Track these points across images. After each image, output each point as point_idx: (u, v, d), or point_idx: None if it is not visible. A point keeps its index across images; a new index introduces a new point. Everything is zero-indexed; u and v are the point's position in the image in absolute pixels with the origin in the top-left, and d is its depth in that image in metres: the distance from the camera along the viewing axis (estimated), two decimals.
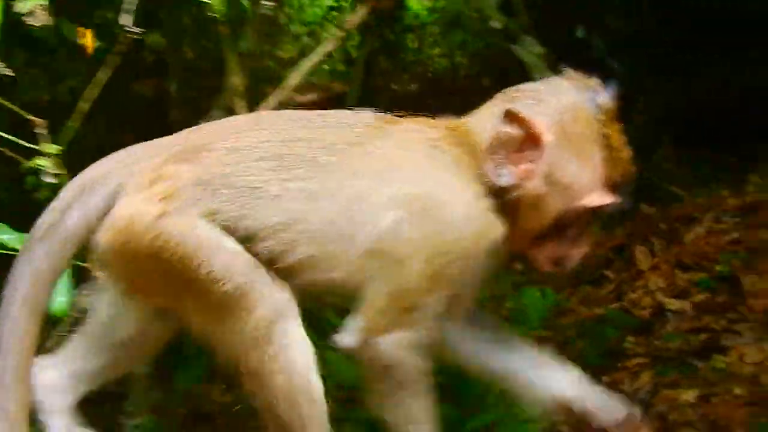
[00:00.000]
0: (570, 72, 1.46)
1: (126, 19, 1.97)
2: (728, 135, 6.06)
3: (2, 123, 1.95)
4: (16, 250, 1.63)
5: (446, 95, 9.34)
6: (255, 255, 1.35)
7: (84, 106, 2.09)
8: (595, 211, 1.49)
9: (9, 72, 2.09)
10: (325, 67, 10.07)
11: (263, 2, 4.13)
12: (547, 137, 1.47)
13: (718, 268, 5.27)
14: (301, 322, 1.35)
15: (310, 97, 9.02)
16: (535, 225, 1.49)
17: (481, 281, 1.47)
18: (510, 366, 1.51)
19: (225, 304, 1.31)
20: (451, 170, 1.43)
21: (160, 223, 1.32)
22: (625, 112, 6.07)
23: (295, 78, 2.57)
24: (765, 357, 4.35)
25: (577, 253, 1.49)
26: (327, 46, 2.47)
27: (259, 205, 1.33)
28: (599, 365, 4.61)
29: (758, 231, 5.47)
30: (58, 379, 1.52)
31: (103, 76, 2.37)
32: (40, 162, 2.01)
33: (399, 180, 1.38)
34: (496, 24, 4.72)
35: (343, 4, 8.23)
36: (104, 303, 1.53)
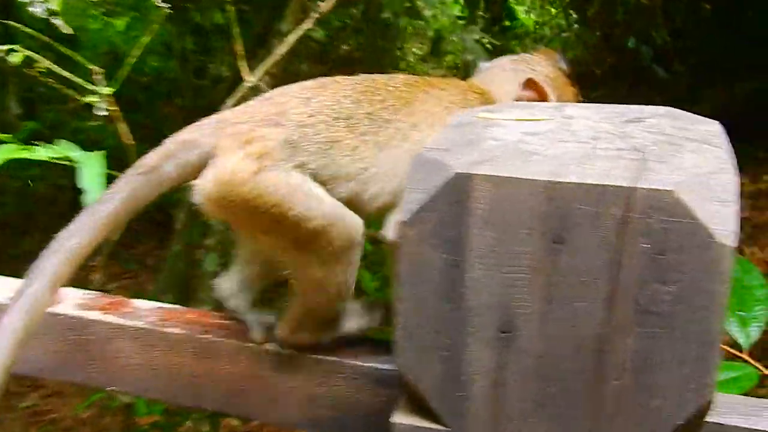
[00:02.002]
0: (536, 49, 1.84)
1: None
2: (759, 132, 7.78)
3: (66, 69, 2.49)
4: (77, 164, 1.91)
5: None
6: (336, 195, 1.50)
7: (131, 60, 2.64)
8: None
9: (69, 30, 2.51)
10: (448, 60, 12.46)
11: None
12: (551, 96, 1.69)
13: None
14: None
15: None
16: None
17: None
18: None
19: (312, 237, 1.43)
20: None
21: (258, 177, 1.41)
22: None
23: (281, 49, 2.90)
24: None
25: None
26: (305, 26, 2.72)
27: (339, 155, 1.49)
28: None
29: (765, 211, 7.19)
30: (233, 287, 1.66)
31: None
32: (93, 99, 2.48)
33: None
34: None
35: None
36: None
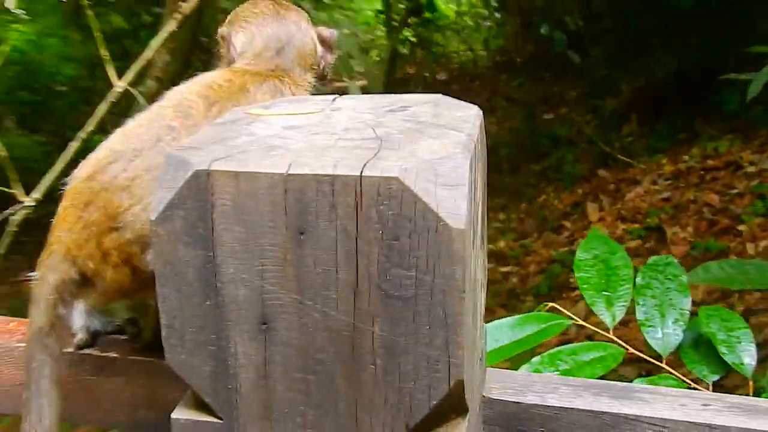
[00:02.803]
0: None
1: None
2: (679, 113, 8.00)
3: None
4: None
5: (468, 81, 11.65)
6: None
7: None
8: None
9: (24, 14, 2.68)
10: (375, 57, 12.52)
11: None
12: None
13: (648, 220, 7.19)
14: None
15: (361, 82, 11.18)
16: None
17: None
18: None
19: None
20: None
21: (139, 276, 1.37)
22: (600, 97, 8.12)
23: (147, 54, 2.91)
24: None
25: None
26: (169, 27, 2.69)
27: None
28: (548, 294, 6.59)
29: (685, 191, 7.34)
30: None
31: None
32: None
33: None
34: None
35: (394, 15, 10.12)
36: None
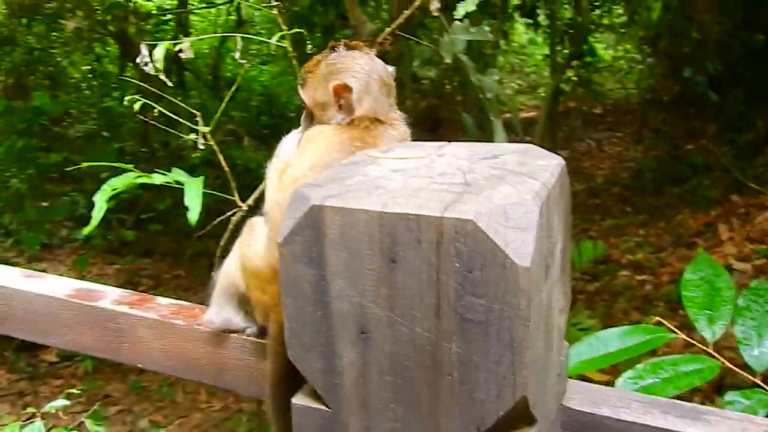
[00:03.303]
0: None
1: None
2: None
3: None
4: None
5: (620, 115, 11.20)
6: None
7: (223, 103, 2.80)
8: None
9: (170, 83, 2.54)
10: (542, 93, 12.29)
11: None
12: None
13: None
14: None
15: (532, 114, 11.05)
16: None
17: None
18: None
19: None
20: None
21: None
22: (736, 131, 7.54)
23: None
24: None
25: None
26: None
27: None
28: (678, 302, 6.19)
29: None
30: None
31: None
32: (193, 136, 2.57)
33: None
34: None
35: (557, 57, 9.84)
36: None
